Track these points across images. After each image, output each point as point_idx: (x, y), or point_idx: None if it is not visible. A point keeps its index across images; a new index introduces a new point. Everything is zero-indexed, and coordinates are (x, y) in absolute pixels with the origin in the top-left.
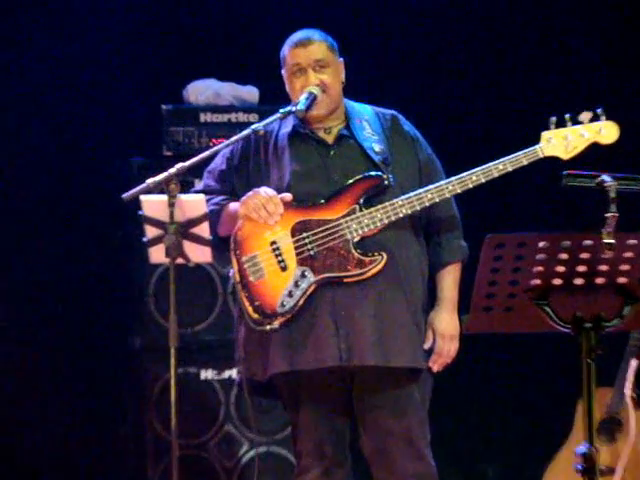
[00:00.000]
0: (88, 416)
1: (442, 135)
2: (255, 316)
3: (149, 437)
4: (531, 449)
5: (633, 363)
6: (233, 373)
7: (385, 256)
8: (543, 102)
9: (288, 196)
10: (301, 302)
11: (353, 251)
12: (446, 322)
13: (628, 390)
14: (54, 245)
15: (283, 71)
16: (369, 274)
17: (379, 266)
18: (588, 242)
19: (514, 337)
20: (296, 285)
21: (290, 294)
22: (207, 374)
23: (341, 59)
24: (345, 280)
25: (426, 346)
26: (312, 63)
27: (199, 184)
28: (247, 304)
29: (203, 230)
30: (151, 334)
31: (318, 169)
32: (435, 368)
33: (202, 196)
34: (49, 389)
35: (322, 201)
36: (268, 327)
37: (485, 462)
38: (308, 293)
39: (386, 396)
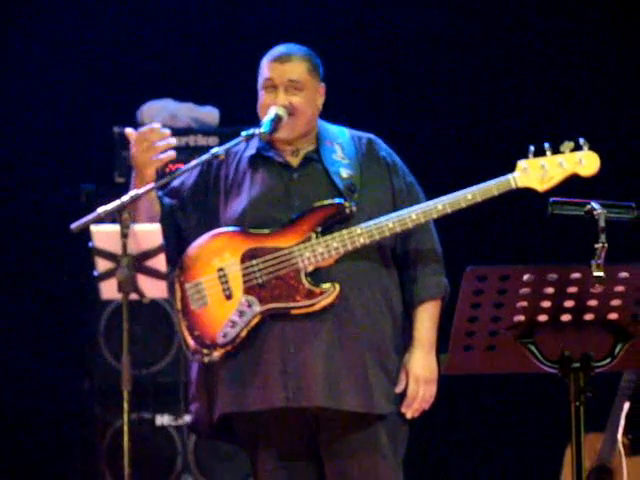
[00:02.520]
0: (32, 467)
1: (424, 161)
2: (194, 347)
3: None
4: None
5: (625, 406)
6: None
7: (337, 288)
8: (529, 128)
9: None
10: (243, 333)
11: (303, 281)
12: (420, 364)
13: (620, 436)
14: None
15: (258, 82)
16: (318, 306)
17: (330, 298)
18: (576, 275)
19: (497, 378)
20: (240, 315)
21: (233, 324)
22: (163, 420)
23: (322, 84)
24: (293, 312)
25: (397, 390)
26: (285, 82)
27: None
28: (186, 334)
29: (159, 263)
30: (102, 376)
31: (279, 194)
32: (409, 414)
33: (158, 226)
34: None
35: (278, 228)
36: (206, 359)
37: None
38: (252, 324)
39: (350, 442)
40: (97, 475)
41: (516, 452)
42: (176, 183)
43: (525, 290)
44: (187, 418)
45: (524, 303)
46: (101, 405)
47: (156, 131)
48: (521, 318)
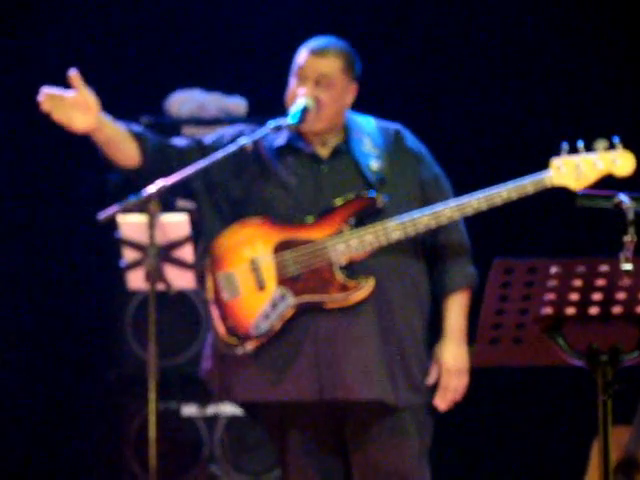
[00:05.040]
0: (60, 454)
1: (452, 152)
2: (227, 338)
3: (126, 479)
4: None
5: None
6: (218, 409)
7: (372, 281)
8: (559, 125)
9: (258, 219)
10: (277, 326)
11: (337, 274)
12: (452, 355)
13: None
14: (23, 269)
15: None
16: (352, 300)
17: (364, 292)
18: (604, 268)
19: (524, 371)
20: (273, 307)
21: (266, 316)
22: (189, 410)
23: (355, 83)
24: (327, 305)
25: (430, 381)
26: (317, 76)
27: (182, 201)
28: (219, 324)
29: (186, 253)
30: (129, 367)
31: (309, 185)
32: (442, 406)
33: (185, 216)
34: (19, 426)
35: (310, 220)
36: (239, 351)
37: None
38: (286, 317)
39: (377, 433)
40: (123, 465)
41: (543, 445)
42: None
43: (553, 283)
44: (213, 409)
45: (552, 296)
46: (127, 395)
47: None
48: (549, 311)
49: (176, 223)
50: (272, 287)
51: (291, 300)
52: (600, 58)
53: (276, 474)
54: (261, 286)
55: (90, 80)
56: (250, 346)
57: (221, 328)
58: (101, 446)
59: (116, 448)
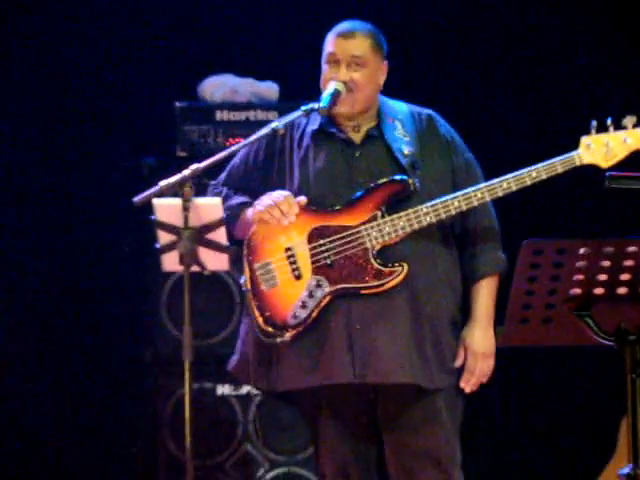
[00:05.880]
0: (96, 434)
1: (479, 139)
2: (266, 328)
3: (162, 457)
4: (572, 470)
5: None
6: (252, 389)
7: (406, 268)
8: (586, 103)
9: (303, 199)
10: (314, 314)
11: (372, 261)
12: (479, 339)
13: None
14: (59, 251)
15: (322, 57)
16: (387, 286)
17: (399, 278)
18: (633, 249)
19: (553, 350)
20: (310, 295)
21: (303, 305)
22: (224, 389)
23: (385, 62)
24: (362, 292)
25: (457, 364)
26: (348, 58)
27: (214, 181)
28: (257, 314)
29: (220, 236)
30: (164, 347)
31: (341, 170)
32: (467, 388)
33: (218, 200)
34: (56, 405)
35: (342, 206)
36: (278, 340)
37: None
38: (322, 304)
39: (410, 414)
40: (159, 444)
41: (572, 425)
42: (236, 164)
43: (581, 263)
44: (247, 388)
45: (580, 276)
46: (163, 375)
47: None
48: (577, 291)
49: (210, 206)
50: (308, 276)
51: (327, 288)
52: (628, 40)
53: (309, 453)
54: (297, 275)
55: (128, 66)
56: (288, 335)
57: (260, 319)
58: (137, 425)
59: (152, 427)
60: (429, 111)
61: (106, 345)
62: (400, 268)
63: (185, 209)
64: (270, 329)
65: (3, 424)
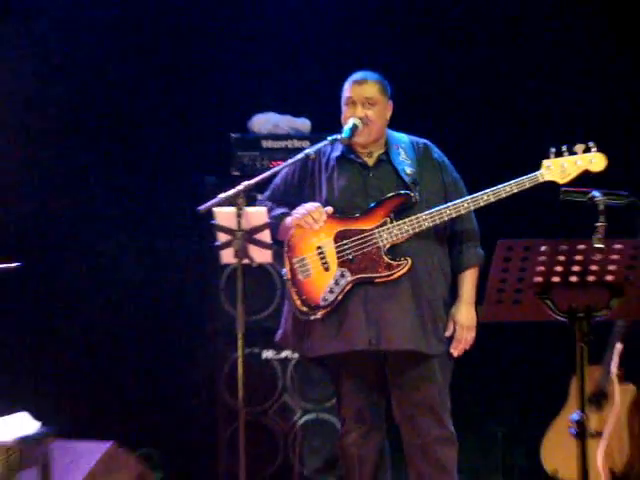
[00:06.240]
0: (171, 388)
1: (465, 161)
2: (302, 308)
3: (220, 406)
4: (533, 416)
5: (618, 346)
6: (289, 353)
7: (410, 261)
8: (546, 133)
9: (330, 209)
10: (340, 297)
11: (383, 256)
12: (465, 315)
13: (614, 368)
14: (144, 249)
15: (341, 100)
16: (395, 276)
17: (404, 269)
18: (581, 247)
19: (522, 326)
20: (336, 283)
21: (331, 290)
22: (268, 354)
23: (390, 101)
24: (376, 280)
25: (447, 334)
26: (362, 99)
27: (262, 197)
28: (296, 298)
29: (265, 236)
30: (222, 322)
31: (359, 187)
32: (455, 353)
33: (264, 208)
34: (144, 366)
35: (360, 214)
36: (312, 317)
37: (495, 425)
38: (345, 290)
39: (411, 373)
40: (218, 396)
41: (533, 382)
42: (277, 182)
43: (542, 258)
44: (285, 353)
45: (542, 267)
46: (221, 343)
47: (321, 213)
48: (539, 279)
49: (257, 213)
50: (334, 268)
51: (349, 277)
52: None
53: (332, 402)
54: (326, 268)
55: (196, 106)
56: (320, 314)
57: (298, 301)
58: (201, 382)
59: (212, 383)
60: (425, 140)
61: (179, 320)
62: (405, 262)
63: (238, 216)
64: (305, 309)
65: (102, 380)
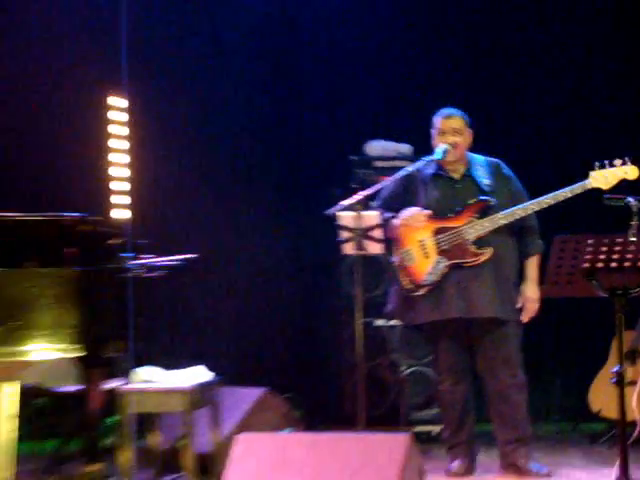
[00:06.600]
0: (307, 349)
1: (527, 174)
2: (409, 286)
3: (344, 361)
4: (583, 369)
5: None
6: (396, 322)
7: (491, 250)
8: (592, 150)
9: (428, 212)
10: (438, 278)
11: (470, 247)
12: (531, 290)
13: None
14: (289, 242)
15: (433, 130)
16: (480, 261)
17: (486, 256)
18: (619, 240)
19: (576, 300)
20: (435, 267)
21: (431, 273)
22: (379, 322)
23: (471, 130)
24: (464, 265)
25: (518, 306)
26: (451, 130)
27: (374, 203)
28: (404, 279)
29: (377, 233)
30: (344, 298)
31: (449, 195)
32: (524, 319)
33: (376, 212)
34: (287, 333)
35: (451, 215)
36: (416, 294)
37: (554, 375)
38: (442, 273)
39: (492, 335)
40: (340, 354)
41: (584, 345)
42: (386, 192)
43: (589, 249)
44: (393, 322)
45: (589, 256)
46: (343, 314)
47: (420, 214)
48: (587, 265)
49: (372, 216)
50: (433, 256)
51: (445, 263)
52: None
53: (430, 359)
54: (427, 256)
55: (323, 134)
56: (422, 291)
57: (405, 281)
58: (328, 344)
59: (336, 345)
60: (497, 160)
61: (312, 298)
62: (487, 250)
63: (357, 218)
64: (411, 286)
65: (261, 342)
